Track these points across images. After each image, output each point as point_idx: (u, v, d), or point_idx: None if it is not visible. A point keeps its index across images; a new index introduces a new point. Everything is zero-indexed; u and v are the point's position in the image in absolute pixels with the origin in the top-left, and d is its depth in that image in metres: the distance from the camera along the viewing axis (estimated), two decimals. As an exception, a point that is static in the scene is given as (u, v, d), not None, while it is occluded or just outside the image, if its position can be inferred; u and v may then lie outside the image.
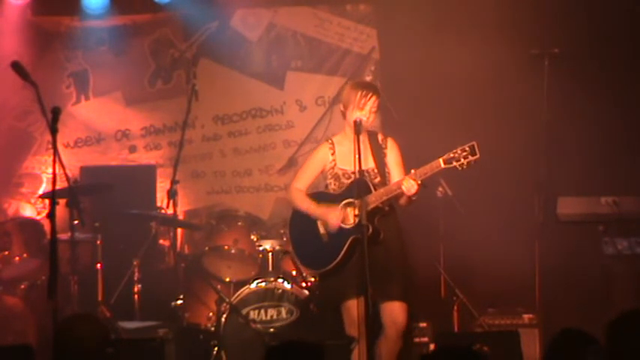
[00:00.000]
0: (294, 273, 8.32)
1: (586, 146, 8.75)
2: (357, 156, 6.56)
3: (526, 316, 8.29)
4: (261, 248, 8.28)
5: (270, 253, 8.21)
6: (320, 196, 7.01)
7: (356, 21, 9.74)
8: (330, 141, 7.05)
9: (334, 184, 6.95)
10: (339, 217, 6.81)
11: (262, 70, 9.85)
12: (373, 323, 6.50)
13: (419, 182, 6.65)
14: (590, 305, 8.24)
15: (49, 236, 6.83)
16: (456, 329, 8.28)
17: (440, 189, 8.10)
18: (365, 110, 6.83)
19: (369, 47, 9.69)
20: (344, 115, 6.93)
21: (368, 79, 9.39)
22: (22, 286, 8.52)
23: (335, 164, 6.95)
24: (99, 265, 8.62)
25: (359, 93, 6.85)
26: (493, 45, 8.88)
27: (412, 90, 8.88)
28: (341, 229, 6.81)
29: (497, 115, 8.80)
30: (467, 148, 6.60)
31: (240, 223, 8.72)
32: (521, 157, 8.66)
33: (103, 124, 9.94)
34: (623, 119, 8.73)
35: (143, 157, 9.90)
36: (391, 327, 6.77)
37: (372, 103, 6.84)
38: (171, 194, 7.80)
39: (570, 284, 8.39)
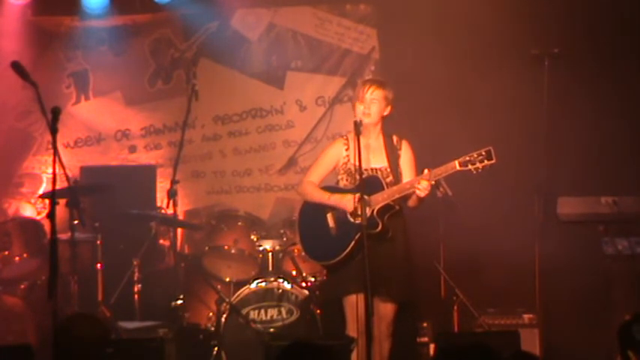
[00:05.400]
0: (294, 273, 8.33)
1: (586, 146, 8.75)
2: (357, 156, 6.60)
3: (526, 316, 8.29)
4: (261, 248, 8.29)
5: (270, 253, 8.23)
6: (330, 190, 7.06)
7: (356, 21, 9.74)
8: (345, 137, 7.15)
9: (346, 180, 7.03)
10: (353, 204, 6.84)
11: (262, 70, 9.84)
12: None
13: (433, 182, 6.74)
14: (590, 305, 8.25)
15: (49, 236, 6.83)
16: (456, 329, 8.28)
17: (440, 189, 8.09)
18: (366, 101, 6.92)
19: (369, 47, 9.69)
20: (355, 114, 7.02)
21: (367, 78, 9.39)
22: (22, 286, 8.53)
23: (349, 160, 7.03)
24: (99, 265, 8.63)
25: (361, 89, 6.96)
26: (493, 45, 8.88)
27: (412, 90, 8.87)
28: (350, 222, 6.87)
29: (497, 115, 8.79)
30: (483, 152, 6.73)
31: (240, 223, 8.71)
32: (521, 157, 8.65)
33: (103, 124, 9.94)
34: (623, 119, 8.72)
35: (143, 157, 9.89)
36: (377, 324, 6.80)
37: (370, 93, 6.93)
38: (171, 194, 7.80)
39: (570, 284, 8.38)
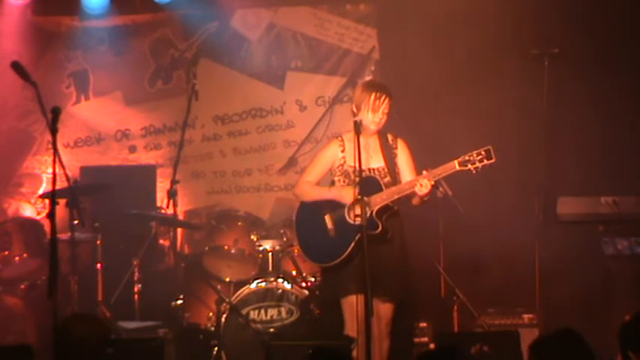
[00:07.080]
0: (294, 273, 8.33)
1: (586, 146, 8.75)
2: (357, 156, 6.59)
3: (526, 316, 8.29)
4: (261, 248, 8.29)
5: (270, 253, 8.22)
6: None
7: (356, 21, 9.74)
8: (340, 138, 7.13)
9: (343, 182, 7.01)
10: (353, 196, 6.83)
11: (262, 70, 9.85)
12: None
13: (432, 182, 6.73)
14: (590, 305, 8.24)
15: (49, 236, 6.83)
16: (456, 329, 8.28)
17: (440, 189, 8.09)
18: (379, 112, 6.90)
19: (369, 47, 9.69)
20: (355, 114, 6.96)
21: (368, 79, 9.39)
22: (22, 286, 8.53)
23: (345, 161, 7.01)
24: (99, 265, 8.62)
25: (372, 95, 6.90)
26: (493, 45, 8.88)
27: (412, 90, 8.87)
28: (349, 223, 6.86)
29: (498, 115, 8.80)
30: (483, 152, 6.73)
31: (240, 223, 8.72)
32: (521, 157, 8.66)
33: (103, 124, 9.94)
34: (623, 119, 8.73)
35: (143, 157, 9.89)
36: (377, 323, 6.80)
37: (385, 105, 6.91)
38: (171, 194, 7.81)
39: (570, 284, 8.38)
